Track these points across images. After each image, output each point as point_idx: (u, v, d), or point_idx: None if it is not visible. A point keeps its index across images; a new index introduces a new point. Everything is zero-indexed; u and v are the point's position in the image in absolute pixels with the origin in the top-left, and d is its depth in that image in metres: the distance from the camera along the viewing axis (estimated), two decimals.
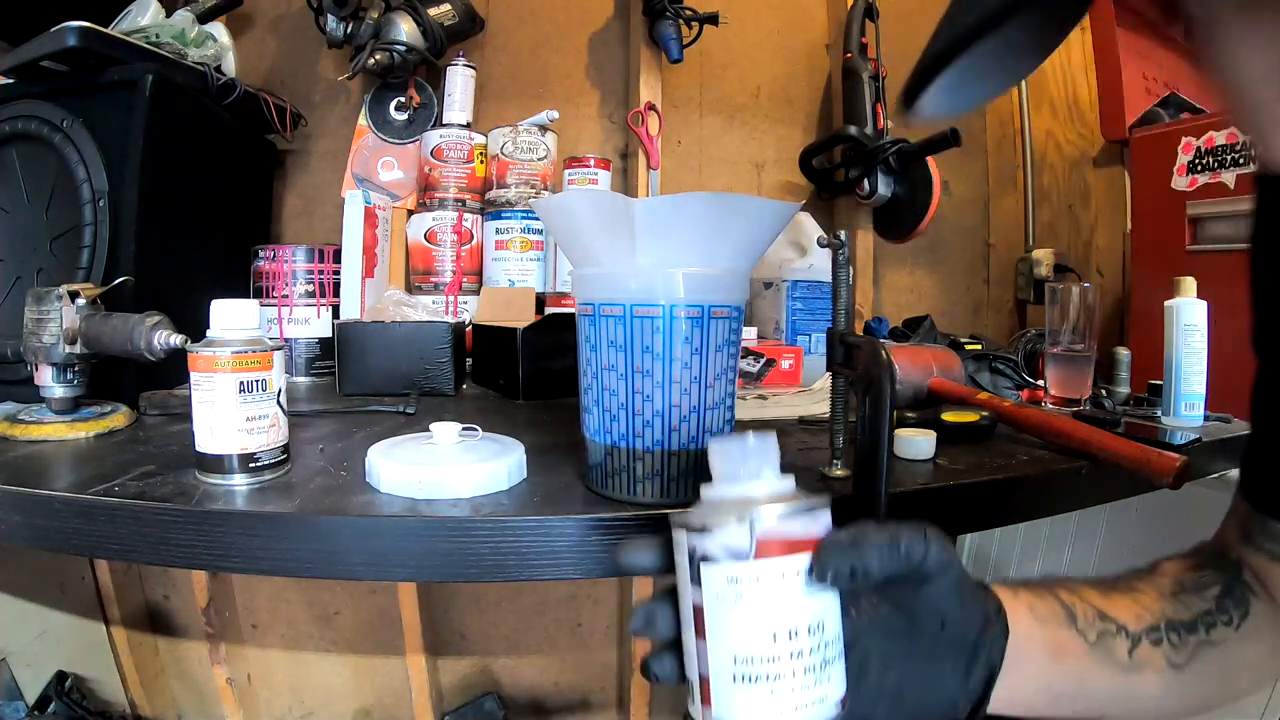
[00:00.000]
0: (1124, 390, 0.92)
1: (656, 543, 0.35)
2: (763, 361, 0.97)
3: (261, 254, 0.99)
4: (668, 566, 0.34)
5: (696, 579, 0.31)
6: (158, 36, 0.90)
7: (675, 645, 0.34)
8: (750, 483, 0.32)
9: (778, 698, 0.30)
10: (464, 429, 0.53)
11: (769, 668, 0.30)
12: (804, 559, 0.31)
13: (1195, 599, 0.41)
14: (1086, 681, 0.38)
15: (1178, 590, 0.41)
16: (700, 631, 0.32)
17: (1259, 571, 0.42)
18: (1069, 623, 0.38)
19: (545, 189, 1.15)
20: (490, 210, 1.16)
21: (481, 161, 1.17)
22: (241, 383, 0.48)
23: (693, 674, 0.33)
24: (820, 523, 0.32)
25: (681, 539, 0.32)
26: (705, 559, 0.31)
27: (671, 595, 0.34)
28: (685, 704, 0.34)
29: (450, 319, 0.98)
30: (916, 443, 0.59)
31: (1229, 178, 0.96)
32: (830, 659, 0.31)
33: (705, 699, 0.32)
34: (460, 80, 1.15)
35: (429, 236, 1.13)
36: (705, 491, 0.33)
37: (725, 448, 0.33)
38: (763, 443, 0.32)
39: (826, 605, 0.31)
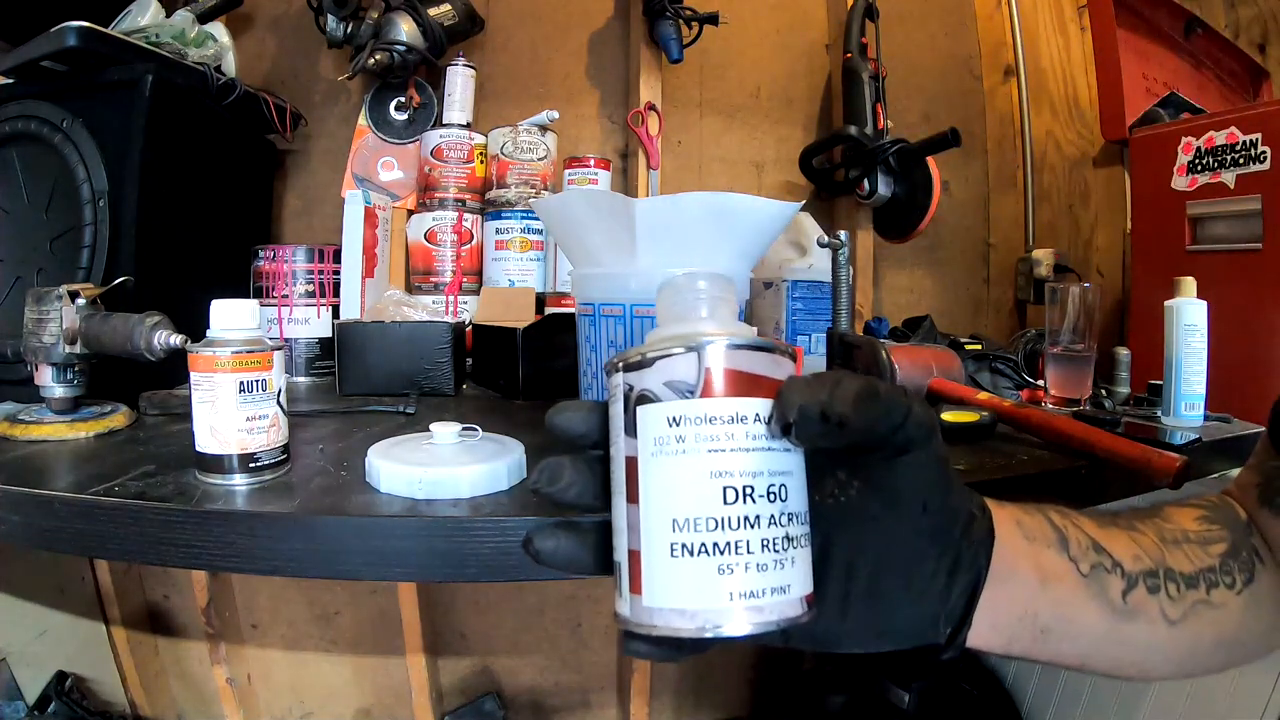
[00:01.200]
0: (1124, 390, 0.92)
1: (593, 406, 0.29)
2: None
3: (261, 254, 0.99)
4: (602, 436, 0.28)
5: (631, 427, 0.26)
6: (158, 36, 0.90)
7: (572, 526, 0.30)
8: (703, 323, 0.27)
9: (726, 577, 0.24)
10: (464, 429, 0.53)
11: (718, 535, 0.24)
12: (763, 403, 0.25)
13: (1199, 552, 0.37)
14: (1075, 617, 0.32)
15: (1180, 539, 0.37)
16: (633, 494, 0.26)
17: (1273, 538, 0.38)
18: (1060, 546, 0.33)
19: (545, 189, 1.15)
20: (490, 210, 1.16)
21: (481, 161, 1.17)
22: (241, 383, 0.48)
23: (621, 554, 0.27)
24: (783, 368, 0.26)
25: (617, 381, 0.26)
26: (643, 399, 0.25)
27: (589, 456, 0.29)
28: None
29: (450, 319, 0.98)
30: None
31: (1229, 178, 0.96)
32: (795, 537, 0.25)
33: (635, 584, 0.25)
34: (460, 80, 1.15)
35: (429, 236, 1.13)
36: (653, 332, 0.28)
37: (675, 283, 0.27)
38: (719, 281, 0.27)
39: (789, 467, 0.26)
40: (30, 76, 0.82)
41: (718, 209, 0.44)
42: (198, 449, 0.49)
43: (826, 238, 0.91)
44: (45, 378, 0.64)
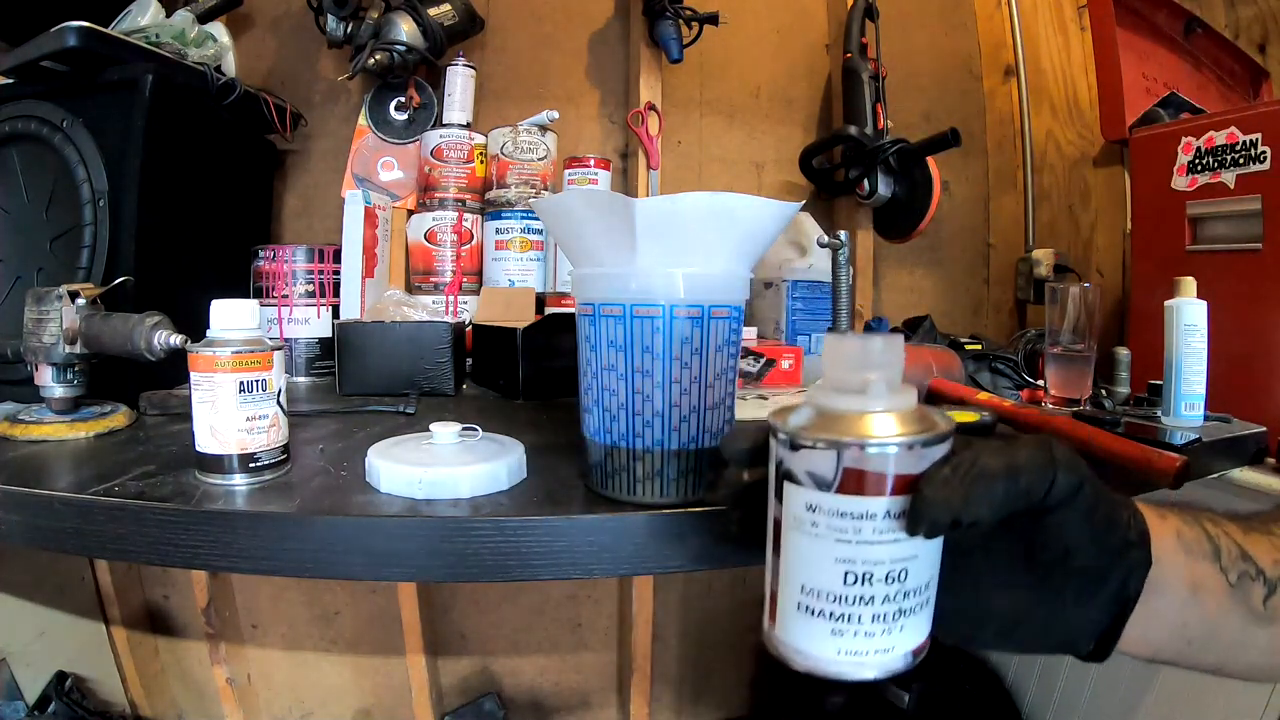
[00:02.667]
0: (1124, 390, 0.92)
1: (758, 439, 0.32)
2: (763, 361, 0.97)
3: (261, 254, 0.99)
4: (760, 463, 0.31)
5: (779, 494, 0.29)
6: (158, 36, 0.90)
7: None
8: (858, 397, 0.28)
9: (838, 638, 0.28)
10: (464, 429, 0.53)
11: (835, 607, 0.28)
12: (897, 501, 0.27)
13: None
14: (1219, 626, 0.34)
15: None
16: (776, 548, 0.29)
17: None
18: (1213, 557, 0.34)
19: (545, 189, 1.15)
20: (490, 210, 1.16)
21: (481, 161, 1.17)
22: (241, 383, 0.48)
23: (767, 586, 0.31)
24: (927, 459, 0.27)
25: (773, 445, 0.29)
26: (789, 476, 0.28)
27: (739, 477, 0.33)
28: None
29: (450, 319, 0.98)
30: None
31: (1229, 178, 0.96)
32: (909, 609, 0.28)
33: (772, 615, 0.30)
34: (460, 80, 1.15)
35: (429, 236, 1.13)
36: (810, 393, 0.29)
37: (840, 346, 0.28)
38: (885, 346, 0.28)
39: (916, 551, 0.28)
40: (30, 76, 0.82)
41: (718, 209, 0.44)
42: (198, 449, 0.49)
43: (826, 238, 0.91)
44: (45, 378, 0.64)
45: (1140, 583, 0.31)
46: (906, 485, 0.27)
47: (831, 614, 0.28)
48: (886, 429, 0.27)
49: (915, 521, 0.27)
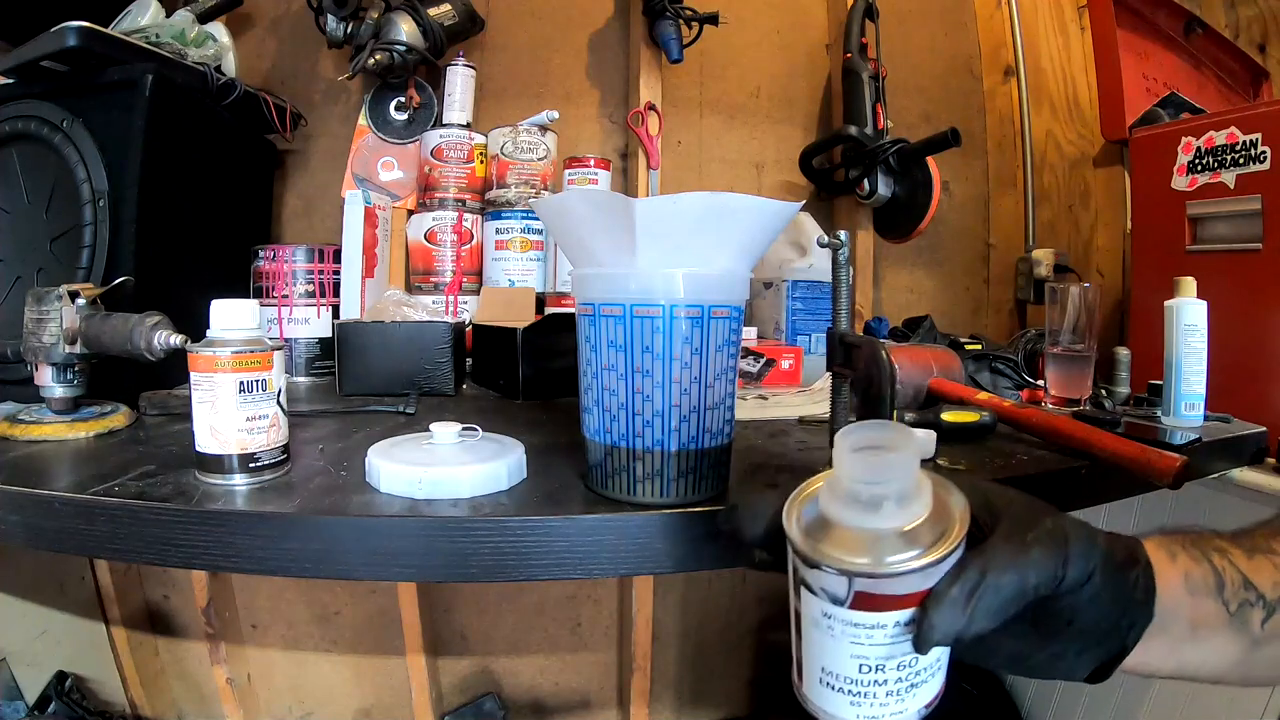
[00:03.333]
0: (1124, 390, 0.92)
1: (773, 522, 0.33)
2: (763, 361, 0.97)
3: (261, 254, 0.99)
4: (777, 543, 0.33)
5: (797, 592, 0.31)
6: (158, 36, 0.90)
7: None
8: (870, 514, 0.29)
9: (856, 708, 0.31)
10: (464, 429, 0.53)
11: (853, 686, 0.30)
12: (907, 613, 0.29)
13: None
14: (1216, 652, 0.36)
15: None
16: (798, 629, 0.32)
17: None
18: (1217, 592, 0.35)
19: (545, 189, 1.15)
20: (490, 210, 1.16)
21: (481, 161, 1.17)
22: (241, 383, 0.48)
23: (793, 648, 0.33)
24: (936, 575, 0.28)
25: (789, 549, 0.31)
26: (804, 584, 0.30)
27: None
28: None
29: (450, 319, 0.98)
30: None
31: (1229, 178, 0.96)
32: (919, 683, 0.30)
33: (799, 673, 0.32)
34: (460, 80, 1.15)
35: (429, 236, 1.13)
36: (823, 498, 0.30)
37: (856, 459, 0.29)
38: (899, 461, 0.28)
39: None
40: (30, 76, 0.82)
41: (718, 209, 0.44)
42: (198, 449, 0.49)
43: (826, 238, 0.91)
44: (45, 378, 0.64)
45: (1140, 635, 0.33)
46: (918, 600, 0.29)
47: (849, 691, 0.30)
48: (897, 553, 0.28)
49: (921, 641, 0.29)
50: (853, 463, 0.29)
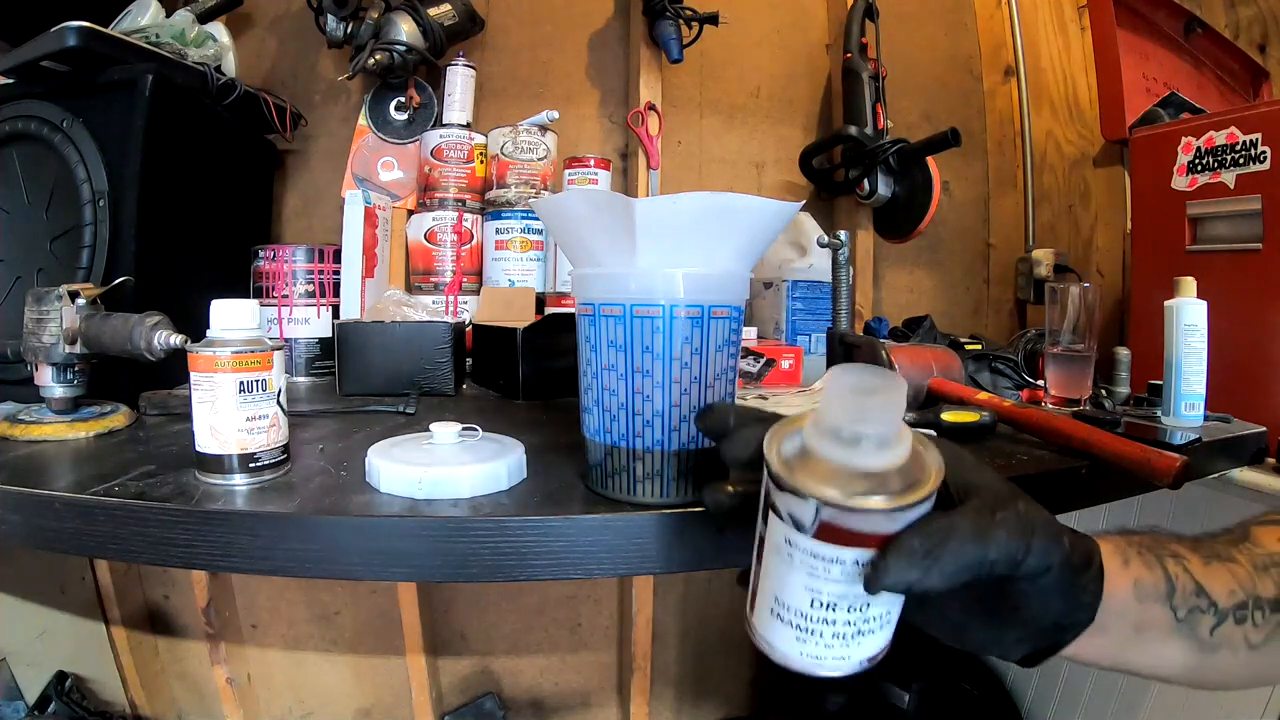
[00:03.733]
0: (1124, 390, 0.92)
1: (756, 451, 0.33)
2: (763, 361, 0.97)
3: (261, 254, 0.99)
4: (755, 471, 0.33)
5: (764, 517, 0.31)
6: (158, 36, 0.90)
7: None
8: (848, 449, 0.28)
9: (802, 644, 0.31)
10: (464, 429, 0.53)
11: (800, 620, 0.31)
12: (866, 553, 0.29)
13: None
14: (1161, 656, 0.36)
15: (1269, 564, 0.38)
16: (758, 555, 0.32)
17: None
18: (1166, 599, 0.36)
19: (545, 189, 1.15)
20: (490, 210, 1.16)
21: (481, 161, 1.17)
22: (241, 383, 0.48)
23: (750, 577, 0.33)
24: (903, 522, 0.29)
25: (765, 471, 0.31)
26: (773, 508, 0.31)
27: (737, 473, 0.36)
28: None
29: (450, 319, 0.98)
30: None
31: (1229, 178, 0.96)
32: (867, 630, 0.31)
33: (751, 605, 0.33)
34: (460, 80, 1.15)
35: (429, 236, 1.13)
36: (807, 429, 0.30)
37: (841, 388, 0.29)
38: (884, 404, 0.28)
39: (877, 598, 0.30)
40: (30, 76, 0.82)
41: (718, 209, 0.44)
42: (198, 449, 0.49)
43: (826, 238, 0.91)
44: (45, 378, 0.64)
45: (1076, 635, 0.34)
46: (879, 542, 0.29)
47: (796, 625, 0.31)
48: (868, 491, 0.28)
49: (873, 581, 0.29)
50: (840, 399, 0.29)
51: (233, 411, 0.48)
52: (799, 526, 0.29)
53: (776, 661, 0.32)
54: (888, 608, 0.31)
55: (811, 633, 0.30)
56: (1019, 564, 0.30)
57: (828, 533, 0.29)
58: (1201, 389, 0.78)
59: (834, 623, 0.30)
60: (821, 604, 0.30)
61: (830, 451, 0.29)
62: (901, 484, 0.29)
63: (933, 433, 0.60)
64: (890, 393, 0.28)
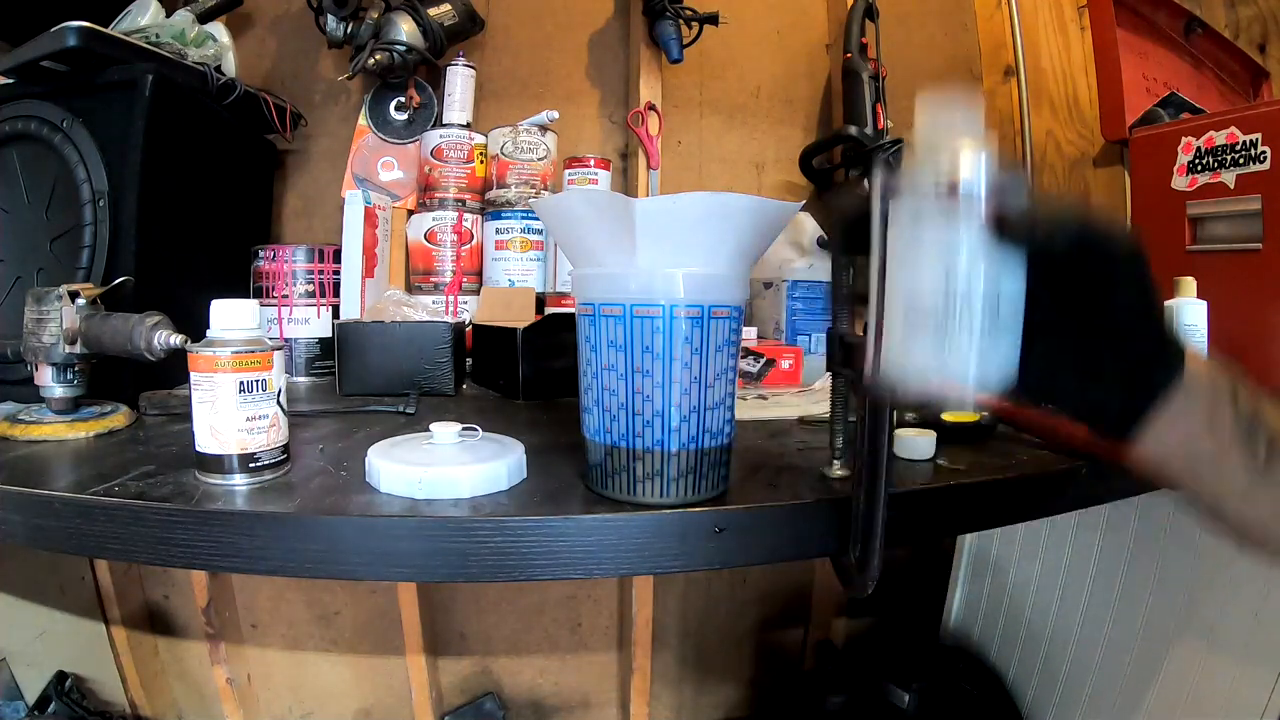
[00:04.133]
0: None
1: (860, 206, 0.36)
2: (763, 361, 0.97)
3: (261, 254, 0.99)
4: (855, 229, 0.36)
5: (884, 217, 0.33)
6: (158, 36, 0.90)
7: None
8: (949, 133, 0.32)
9: (944, 353, 0.31)
10: (464, 429, 0.53)
11: (938, 317, 0.31)
12: (992, 210, 0.31)
13: None
14: (1223, 463, 0.38)
15: None
16: (882, 274, 0.33)
17: None
18: (1232, 401, 0.38)
19: (545, 189, 1.15)
20: (490, 210, 1.16)
21: (481, 161, 1.17)
22: (241, 383, 0.48)
23: (868, 342, 0.34)
24: (1013, 188, 0.32)
25: (877, 176, 0.33)
26: (894, 193, 0.32)
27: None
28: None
29: (450, 319, 0.98)
30: (916, 443, 0.59)
31: (1229, 178, 0.96)
32: (999, 327, 0.32)
33: (877, 354, 0.34)
34: (460, 80, 1.15)
35: (429, 236, 1.13)
36: (907, 137, 0.34)
37: (933, 103, 0.33)
38: (969, 108, 0.32)
39: (1005, 270, 0.32)
40: (30, 76, 0.82)
41: (718, 209, 0.44)
42: (198, 449, 0.49)
43: (826, 238, 0.91)
44: (45, 378, 0.64)
45: (1166, 379, 0.36)
46: (994, 209, 0.31)
47: (933, 323, 0.31)
48: (981, 152, 0.32)
49: (1004, 216, 0.31)
50: (933, 103, 0.33)
51: (233, 411, 0.48)
52: (925, 193, 0.31)
53: (916, 395, 0.32)
54: (1014, 304, 0.32)
55: (949, 329, 0.31)
56: (1111, 237, 0.33)
57: (953, 189, 0.31)
58: None
59: (971, 305, 0.31)
60: (960, 277, 0.31)
61: (938, 136, 0.32)
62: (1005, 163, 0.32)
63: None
64: (971, 101, 0.32)
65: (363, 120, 1.18)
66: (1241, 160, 0.95)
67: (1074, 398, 0.37)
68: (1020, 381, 0.34)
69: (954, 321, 0.31)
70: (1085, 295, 0.34)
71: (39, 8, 0.87)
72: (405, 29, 1.06)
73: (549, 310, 1.09)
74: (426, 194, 1.16)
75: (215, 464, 0.49)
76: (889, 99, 1.21)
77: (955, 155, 0.31)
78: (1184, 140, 1.03)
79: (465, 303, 1.13)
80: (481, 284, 1.15)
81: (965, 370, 0.31)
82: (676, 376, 0.45)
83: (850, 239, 0.39)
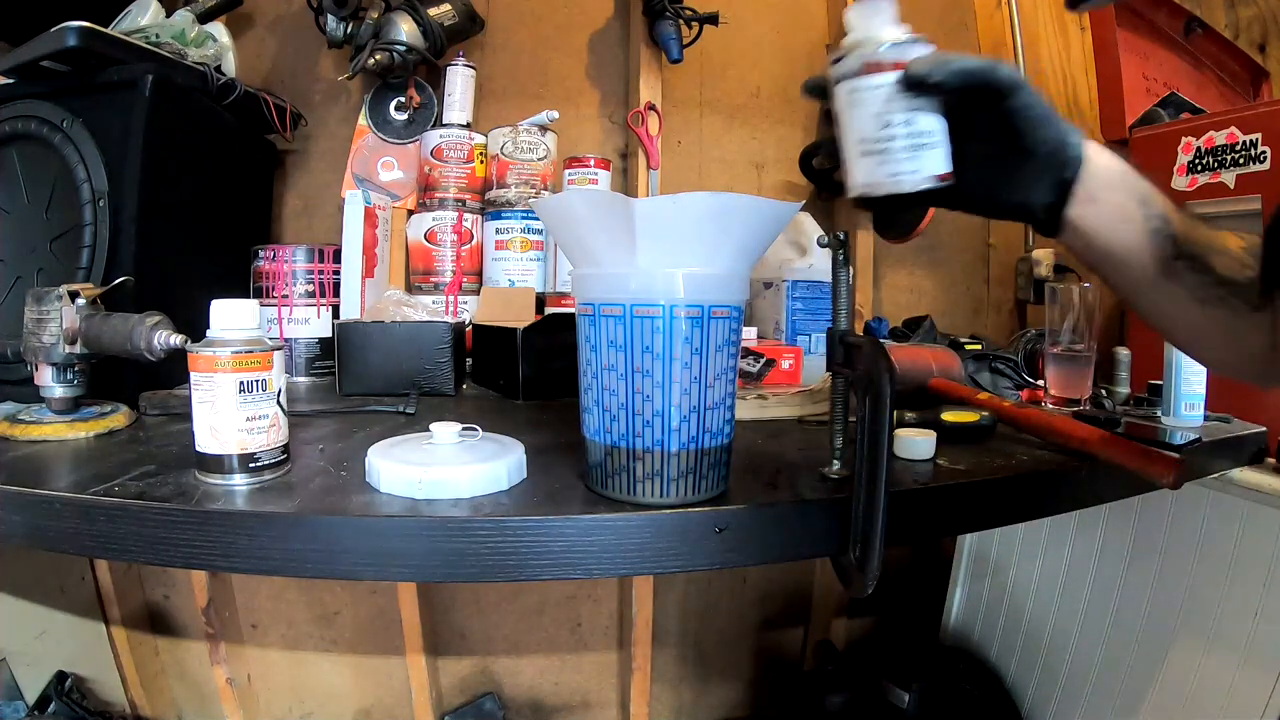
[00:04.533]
0: (1124, 390, 0.92)
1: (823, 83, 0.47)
2: (763, 361, 0.97)
3: (261, 254, 0.99)
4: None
5: (835, 96, 0.45)
6: (158, 36, 0.90)
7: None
8: (869, 31, 0.43)
9: (881, 166, 0.43)
10: (464, 429, 0.53)
11: (876, 145, 0.43)
12: (896, 74, 0.42)
13: (1234, 264, 0.45)
14: (1132, 253, 0.44)
15: (1223, 249, 0.45)
16: (840, 129, 0.45)
17: None
18: (1142, 204, 0.44)
19: (545, 189, 1.15)
20: (490, 210, 1.16)
21: (481, 161, 1.17)
22: (241, 383, 0.48)
23: (846, 163, 0.45)
24: (914, 53, 0.42)
25: (829, 72, 0.45)
26: (837, 79, 0.44)
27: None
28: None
29: (450, 319, 0.98)
30: (916, 443, 0.59)
31: (1229, 178, 0.96)
32: (923, 145, 0.42)
33: (848, 176, 0.45)
34: (460, 80, 1.15)
35: (429, 236, 1.13)
36: (843, 40, 0.45)
37: (858, 9, 0.44)
38: (881, 5, 0.43)
39: (918, 107, 0.42)
40: (30, 76, 0.82)
41: (718, 209, 0.44)
42: (198, 449, 0.49)
43: (826, 237, 0.91)
44: (45, 378, 0.64)
45: (1073, 173, 0.43)
46: (903, 66, 0.42)
47: (875, 151, 0.43)
48: (885, 38, 0.43)
49: (908, 79, 0.41)
50: (859, 9, 0.44)
51: (233, 411, 0.48)
52: (852, 74, 0.43)
53: (870, 195, 0.44)
54: (932, 126, 0.42)
55: (886, 151, 0.43)
56: (993, 71, 0.41)
57: (870, 68, 0.42)
58: (1201, 389, 0.78)
59: (897, 137, 0.42)
60: (885, 122, 0.42)
61: (861, 35, 0.43)
62: (906, 38, 0.43)
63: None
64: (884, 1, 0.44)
65: (363, 120, 1.18)
66: (1241, 160, 0.95)
67: (1002, 197, 0.45)
68: (961, 185, 0.43)
69: (887, 149, 0.42)
70: (986, 112, 0.42)
71: (39, 8, 0.87)
72: (405, 29, 1.06)
73: (549, 310, 1.09)
74: (426, 194, 1.16)
75: (215, 464, 0.49)
76: None
77: (873, 41, 0.43)
78: (1184, 140, 1.03)
79: (465, 303, 1.13)
80: (481, 284, 1.15)
81: (901, 179, 0.42)
82: (676, 376, 0.45)
83: (824, 111, 0.48)
